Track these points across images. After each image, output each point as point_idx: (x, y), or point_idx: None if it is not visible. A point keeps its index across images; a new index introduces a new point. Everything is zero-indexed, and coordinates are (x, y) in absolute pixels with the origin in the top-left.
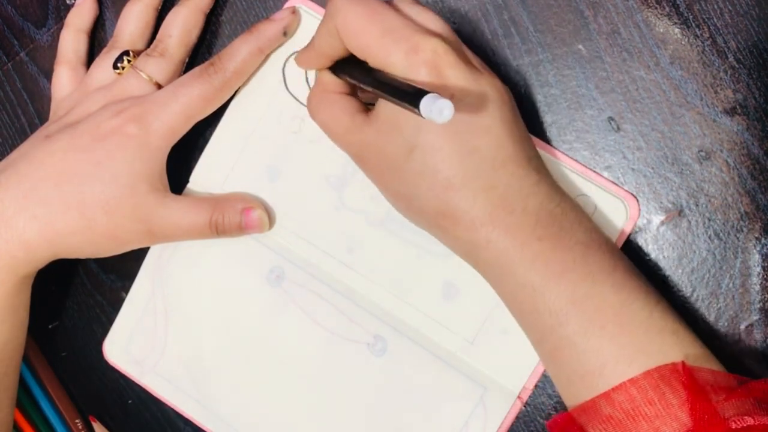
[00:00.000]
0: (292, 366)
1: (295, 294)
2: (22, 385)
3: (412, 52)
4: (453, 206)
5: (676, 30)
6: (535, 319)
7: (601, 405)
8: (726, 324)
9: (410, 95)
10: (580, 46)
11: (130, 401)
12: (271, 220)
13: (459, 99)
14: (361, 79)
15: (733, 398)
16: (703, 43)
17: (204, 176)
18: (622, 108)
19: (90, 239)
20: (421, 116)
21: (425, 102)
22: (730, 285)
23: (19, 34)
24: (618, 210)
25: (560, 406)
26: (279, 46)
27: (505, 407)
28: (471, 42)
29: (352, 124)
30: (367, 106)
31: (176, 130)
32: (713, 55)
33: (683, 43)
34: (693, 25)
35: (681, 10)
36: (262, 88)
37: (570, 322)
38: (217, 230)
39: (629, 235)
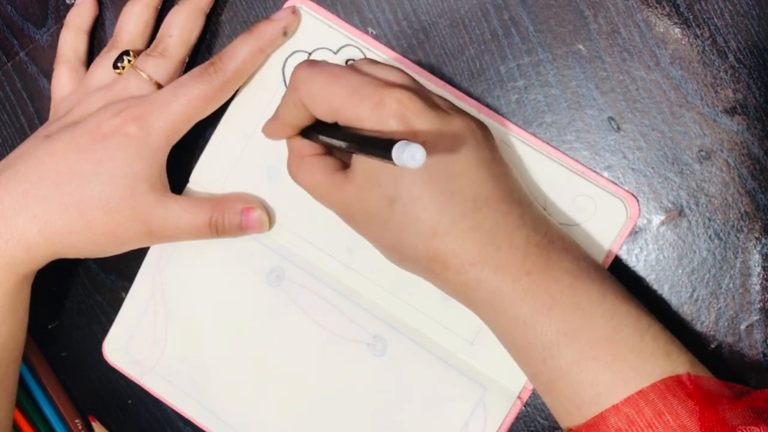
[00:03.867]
0: (291, 366)
1: (295, 294)
2: (22, 385)
3: (378, 106)
4: (441, 251)
5: (676, 30)
6: (529, 353)
7: (609, 418)
8: (726, 324)
9: (381, 146)
10: (580, 46)
11: (129, 401)
12: (271, 220)
13: (431, 144)
14: (332, 138)
15: (738, 407)
16: (703, 42)
17: (204, 176)
18: (622, 108)
19: (90, 239)
20: (395, 164)
21: (397, 150)
22: (730, 285)
23: (19, 34)
24: (618, 210)
25: None
26: (279, 45)
27: (505, 407)
28: (471, 42)
29: (332, 185)
30: (345, 162)
31: (176, 130)
32: (713, 54)
33: (683, 43)
34: (693, 24)
35: (681, 10)
36: (262, 87)
37: (562, 355)
38: (217, 230)
39: (629, 235)
